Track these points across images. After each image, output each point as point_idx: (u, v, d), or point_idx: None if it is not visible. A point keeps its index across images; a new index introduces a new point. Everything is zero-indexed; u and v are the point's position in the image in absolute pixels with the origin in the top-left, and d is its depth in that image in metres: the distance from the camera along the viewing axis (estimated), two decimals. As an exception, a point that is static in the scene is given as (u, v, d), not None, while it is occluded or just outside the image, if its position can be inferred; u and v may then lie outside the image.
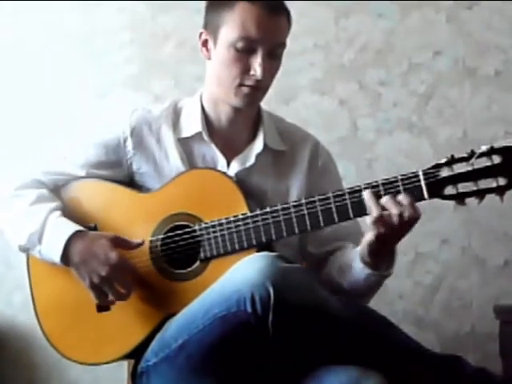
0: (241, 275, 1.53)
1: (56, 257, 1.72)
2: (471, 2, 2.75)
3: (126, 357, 1.76)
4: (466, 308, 2.74)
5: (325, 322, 1.54)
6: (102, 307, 1.74)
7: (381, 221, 1.57)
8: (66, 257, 1.71)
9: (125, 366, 1.94)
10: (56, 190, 1.83)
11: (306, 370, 1.58)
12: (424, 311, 2.75)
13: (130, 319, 1.72)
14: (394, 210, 1.57)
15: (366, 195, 1.60)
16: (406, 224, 1.58)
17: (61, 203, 1.80)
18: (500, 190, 1.55)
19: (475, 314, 2.73)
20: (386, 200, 1.58)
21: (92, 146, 1.82)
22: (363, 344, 1.57)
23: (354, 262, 1.68)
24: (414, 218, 1.57)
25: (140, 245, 1.72)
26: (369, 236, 1.60)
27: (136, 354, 1.73)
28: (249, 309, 1.49)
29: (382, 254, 1.64)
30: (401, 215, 1.56)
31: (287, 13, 1.75)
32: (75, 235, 1.71)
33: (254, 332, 1.51)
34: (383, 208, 1.58)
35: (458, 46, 2.76)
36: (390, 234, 1.59)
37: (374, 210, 1.58)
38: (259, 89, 1.74)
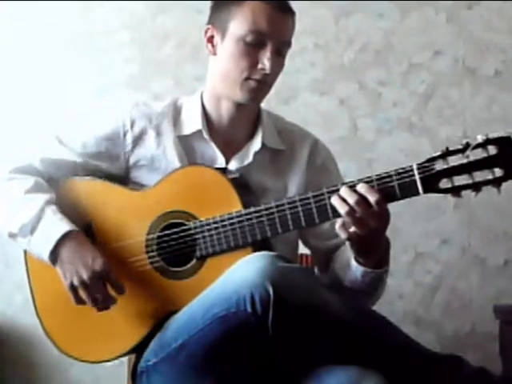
0: (240, 275, 1.53)
1: (45, 252, 1.69)
2: (471, 2, 2.76)
3: (127, 353, 1.76)
4: (465, 308, 2.74)
5: (325, 322, 1.54)
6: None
7: (350, 215, 1.55)
8: (54, 253, 1.69)
9: (125, 366, 1.94)
10: (50, 185, 1.80)
11: (306, 369, 1.58)
12: (424, 311, 2.75)
13: (128, 317, 1.72)
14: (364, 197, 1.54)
15: (332, 199, 1.58)
16: (376, 214, 1.55)
17: (55, 196, 1.77)
18: (497, 182, 1.51)
19: (475, 313, 2.73)
20: (343, 190, 1.56)
21: (92, 136, 1.81)
22: (363, 344, 1.56)
23: (350, 260, 1.67)
24: (380, 203, 1.55)
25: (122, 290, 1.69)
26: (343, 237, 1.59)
27: (136, 351, 1.73)
28: (248, 309, 1.49)
29: (370, 252, 1.63)
30: (365, 201, 1.54)
31: (293, 14, 1.77)
32: (70, 233, 1.70)
33: (253, 332, 1.51)
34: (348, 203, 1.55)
35: (458, 46, 2.77)
36: (365, 230, 1.56)
37: (341, 208, 1.56)
38: (265, 84, 1.75)
